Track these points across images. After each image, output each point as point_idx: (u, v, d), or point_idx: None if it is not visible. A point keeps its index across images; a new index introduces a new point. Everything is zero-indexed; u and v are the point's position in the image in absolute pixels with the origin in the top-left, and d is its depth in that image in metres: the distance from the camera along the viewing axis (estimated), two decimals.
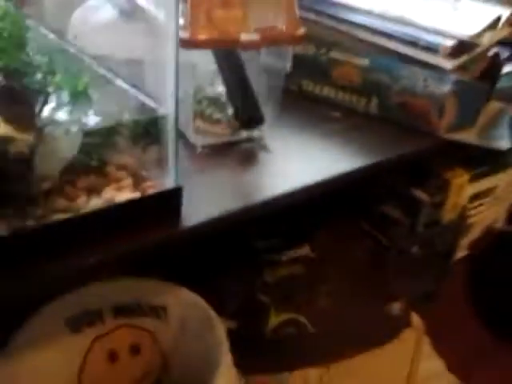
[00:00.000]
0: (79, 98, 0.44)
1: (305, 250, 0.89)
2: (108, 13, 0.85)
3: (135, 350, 0.70)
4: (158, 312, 0.68)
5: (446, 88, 0.67)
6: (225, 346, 0.59)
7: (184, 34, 0.50)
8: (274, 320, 0.80)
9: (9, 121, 0.35)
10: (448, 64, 0.67)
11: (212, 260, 0.79)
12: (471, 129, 0.73)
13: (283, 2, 0.54)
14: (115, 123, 0.44)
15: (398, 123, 0.72)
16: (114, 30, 0.75)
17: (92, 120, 0.43)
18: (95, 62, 0.53)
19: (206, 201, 0.53)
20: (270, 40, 0.54)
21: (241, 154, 0.63)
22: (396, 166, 0.69)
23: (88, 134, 0.41)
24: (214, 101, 0.62)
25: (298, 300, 0.82)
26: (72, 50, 0.56)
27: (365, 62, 0.72)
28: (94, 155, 0.44)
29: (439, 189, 0.81)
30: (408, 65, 0.69)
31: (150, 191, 0.47)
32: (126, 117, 0.44)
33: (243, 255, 0.83)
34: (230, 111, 0.63)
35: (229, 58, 0.59)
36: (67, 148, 0.39)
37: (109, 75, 0.50)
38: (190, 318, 0.65)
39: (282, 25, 0.54)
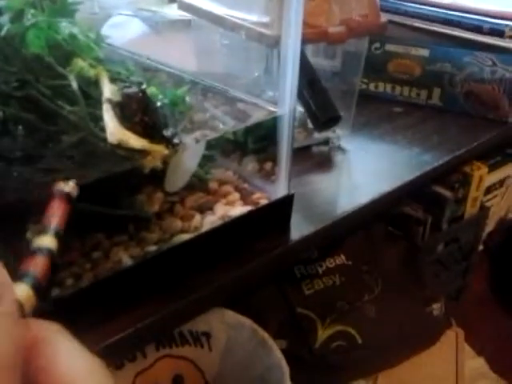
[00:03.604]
0: (178, 105, 0.40)
1: (340, 259, 0.86)
2: (140, 27, 0.82)
3: (178, 381, 0.64)
4: (201, 339, 0.64)
5: None
6: (284, 368, 0.54)
7: (271, 31, 0.47)
8: (322, 334, 0.76)
9: (141, 133, 0.31)
10: None
11: None
12: None
13: None
14: (238, 129, 0.39)
15: (463, 113, 0.69)
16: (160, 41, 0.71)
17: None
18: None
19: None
20: (356, 31, 0.50)
21: (319, 157, 0.59)
22: (473, 156, 0.66)
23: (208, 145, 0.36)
24: None
25: (342, 311, 0.78)
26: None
27: (424, 52, 0.69)
28: (202, 170, 0.40)
29: (461, 183, 0.79)
30: (472, 51, 0.67)
31: (262, 202, 0.42)
32: (236, 123, 0.40)
33: None
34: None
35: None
36: (192, 160, 0.35)
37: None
38: (237, 342, 0.61)
39: (364, 14, 0.51)
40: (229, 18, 0.48)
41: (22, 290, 0.19)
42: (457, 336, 0.91)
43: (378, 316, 0.79)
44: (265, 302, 0.75)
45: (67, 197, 0.25)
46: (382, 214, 0.79)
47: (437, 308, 0.87)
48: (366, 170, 0.58)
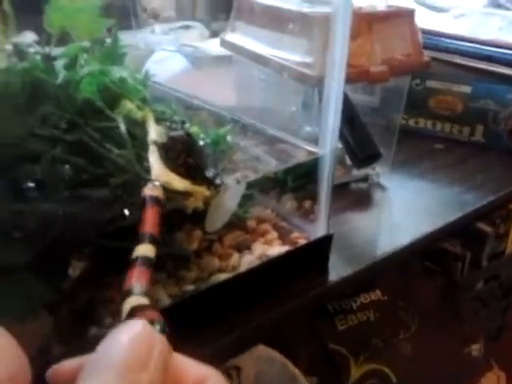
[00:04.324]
0: (220, 144, 0.41)
1: (375, 295, 0.83)
2: (182, 63, 0.84)
3: None
4: (231, 373, 0.63)
5: None
6: None
7: (313, 72, 0.47)
8: (356, 372, 0.74)
9: (184, 174, 0.31)
10: None
11: None
12: None
13: (408, 31, 0.51)
14: (278, 170, 0.39)
15: (506, 150, 0.68)
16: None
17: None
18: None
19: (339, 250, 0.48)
20: (398, 70, 0.50)
21: (358, 194, 0.59)
22: None
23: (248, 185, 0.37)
24: None
25: (377, 348, 0.76)
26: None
27: (466, 89, 0.68)
28: (242, 209, 0.40)
29: (502, 219, 0.77)
30: None
31: (301, 241, 0.42)
32: (277, 163, 0.40)
33: None
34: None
35: None
36: (233, 201, 0.35)
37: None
38: (267, 377, 0.59)
39: (407, 53, 0.51)
40: (271, 57, 0.49)
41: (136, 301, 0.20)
42: (498, 379, 0.87)
43: (414, 354, 0.76)
44: (296, 336, 0.74)
45: (157, 200, 0.25)
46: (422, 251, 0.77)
47: (476, 349, 0.83)
48: (405, 208, 0.57)
